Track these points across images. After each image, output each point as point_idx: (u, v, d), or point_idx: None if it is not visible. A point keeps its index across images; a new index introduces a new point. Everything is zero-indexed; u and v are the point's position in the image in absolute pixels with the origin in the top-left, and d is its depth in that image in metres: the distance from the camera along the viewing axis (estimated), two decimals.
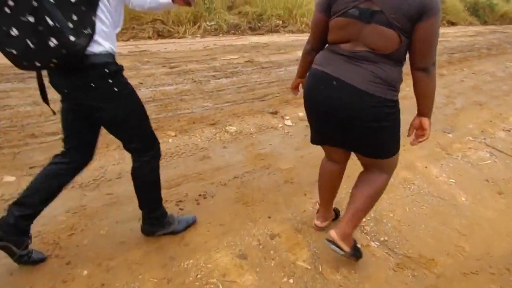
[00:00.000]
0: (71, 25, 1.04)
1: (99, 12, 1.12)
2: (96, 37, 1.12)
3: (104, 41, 1.15)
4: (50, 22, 0.99)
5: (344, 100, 1.20)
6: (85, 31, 1.07)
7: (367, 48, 1.16)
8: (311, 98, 1.33)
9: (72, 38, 1.04)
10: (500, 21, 17.05)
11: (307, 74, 1.36)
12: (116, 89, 1.23)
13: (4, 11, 0.98)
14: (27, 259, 1.36)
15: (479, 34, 10.48)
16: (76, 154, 1.39)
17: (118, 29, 1.26)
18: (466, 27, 13.19)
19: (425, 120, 1.27)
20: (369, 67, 1.16)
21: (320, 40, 1.33)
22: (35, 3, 0.97)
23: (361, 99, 1.17)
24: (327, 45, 1.33)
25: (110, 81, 1.20)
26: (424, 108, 1.26)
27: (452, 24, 14.44)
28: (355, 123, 1.23)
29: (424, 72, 1.16)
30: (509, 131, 3.36)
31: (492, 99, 4.32)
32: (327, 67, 1.24)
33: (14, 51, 1.03)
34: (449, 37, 9.28)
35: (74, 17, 1.05)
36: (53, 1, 1.00)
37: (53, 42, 1.01)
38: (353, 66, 1.18)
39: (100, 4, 1.11)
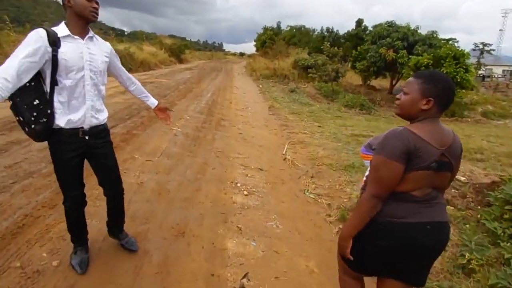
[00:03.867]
0: (32, 118, 1.66)
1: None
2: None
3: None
4: (20, 118, 1.68)
5: (440, 238, 1.33)
6: (41, 120, 1.69)
7: (432, 189, 1.31)
8: (403, 251, 1.31)
9: (33, 126, 1.68)
10: (142, 67, 18.41)
11: (381, 229, 1.32)
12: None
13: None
14: None
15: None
16: None
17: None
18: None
19: None
20: (440, 201, 1.34)
21: (389, 194, 1.31)
22: (13, 103, 1.65)
23: (447, 230, 1.36)
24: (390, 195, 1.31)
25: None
26: None
27: None
28: (438, 254, 1.38)
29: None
30: None
31: None
32: (412, 216, 1.28)
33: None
34: None
35: (34, 113, 1.66)
36: (21, 102, 1.64)
37: (25, 130, 1.72)
38: (431, 206, 1.30)
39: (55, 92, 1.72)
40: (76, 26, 1.72)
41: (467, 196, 3.56)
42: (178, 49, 29.06)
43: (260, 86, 15.02)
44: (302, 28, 35.39)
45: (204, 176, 3.85)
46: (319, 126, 7.10)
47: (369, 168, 1.41)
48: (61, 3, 1.73)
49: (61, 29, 1.69)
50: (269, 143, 5.71)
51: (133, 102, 7.55)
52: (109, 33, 31.95)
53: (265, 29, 36.30)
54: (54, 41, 1.62)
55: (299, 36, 33.29)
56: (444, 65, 10.63)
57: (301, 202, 3.55)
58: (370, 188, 1.29)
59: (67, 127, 1.75)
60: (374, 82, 18.48)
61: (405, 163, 1.22)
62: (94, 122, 1.85)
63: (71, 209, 1.97)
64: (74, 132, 1.79)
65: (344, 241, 1.39)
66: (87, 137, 1.84)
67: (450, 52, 10.69)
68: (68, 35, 1.69)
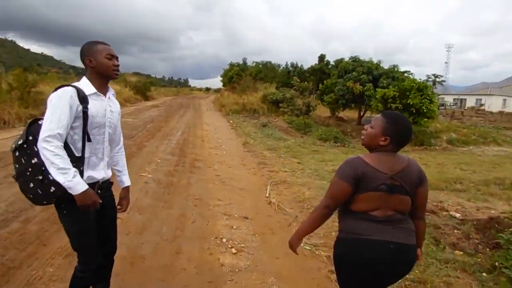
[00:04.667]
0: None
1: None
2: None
3: None
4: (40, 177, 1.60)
5: (405, 259, 1.48)
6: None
7: (395, 212, 1.47)
8: (370, 266, 1.44)
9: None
10: None
11: (348, 244, 1.50)
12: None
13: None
14: None
15: None
16: None
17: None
18: None
19: (419, 251, 1.61)
20: (406, 226, 1.49)
21: (338, 206, 1.54)
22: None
23: (412, 254, 1.50)
24: (347, 213, 1.53)
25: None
26: (421, 242, 1.62)
27: None
28: (404, 274, 1.55)
29: (422, 220, 1.59)
30: None
31: None
32: (375, 234, 1.43)
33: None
34: None
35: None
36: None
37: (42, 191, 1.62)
38: (394, 228, 1.46)
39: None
40: (99, 84, 1.74)
41: (471, 236, 3.33)
42: (144, 86, 28.58)
43: (231, 121, 14.79)
44: (268, 64, 36.55)
45: (183, 233, 3.33)
46: (299, 163, 6.84)
47: None
48: (82, 63, 1.73)
49: (86, 86, 1.69)
50: (249, 184, 5.30)
51: None
52: (69, 72, 30.86)
53: (232, 65, 37.07)
54: (84, 98, 1.63)
55: (265, 71, 34.23)
56: (410, 96, 11.09)
57: (297, 256, 3.12)
58: (324, 199, 1.52)
59: (88, 182, 1.67)
60: (342, 114, 19.02)
61: (353, 184, 1.44)
62: (106, 176, 1.86)
63: (87, 279, 1.82)
64: (92, 187, 1.70)
65: (295, 240, 1.63)
66: (99, 191, 1.80)
67: (414, 85, 11.24)
68: (95, 93, 1.70)
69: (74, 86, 1.62)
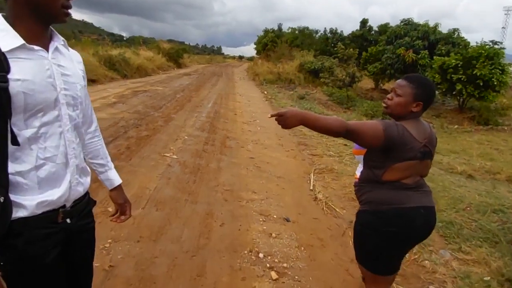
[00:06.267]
0: None
1: None
2: None
3: None
4: None
5: (431, 222, 1.49)
6: None
7: (419, 177, 1.48)
8: (409, 235, 1.46)
9: None
10: (138, 73, 17.31)
11: (385, 216, 1.44)
12: None
13: None
14: None
15: (122, 99, 8.64)
16: None
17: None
18: (107, 86, 11.39)
19: None
20: (427, 188, 1.51)
21: (352, 140, 1.45)
22: None
23: (435, 215, 1.51)
24: (377, 183, 1.46)
25: None
26: None
27: (93, 81, 12.43)
28: (426, 237, 1.56)
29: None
30: None
31: None
32: (408, 202, 1.42)
33: None
34: None
35: None
36: None
37: None
38: (421, 193, 1.46)
39: None
40: (32, 28, 0.94)
41: None
42: (176, 53, 27.93)
43: (265, 92, 13.80)
44: (305, 30, 34.26)
45: (209, 242, 2.60)
46: (346, 145, 5.85)
47: (361, 164, 1.60)
48: None
49: (5, 37, 0.88)
50: (289, 172, 4.46)
51: (121, 118, 6.32)
52: (106, 39, 30.82)
53: (266, 31, 35.19)
54: None
55: (302, 38, 32.13)
56: (476, 66, 9.38)
57: (360, 285, 2.30)
58: (349, 123, 1.35)
59: (39, 211, 0.97)
60: (387, 85, 17.25)
61: (386, 142, 1.35)
62: (79, 191, 1.09)
63: None
64: (49, 218, 1.01)
65: (294, 118, 1.36)
66: (68, 220, 1.07)
67: (483, 51, 9.44)
68: (23, 46, 0.89)
69: None
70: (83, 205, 1.14)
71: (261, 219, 3.07)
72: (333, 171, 4.53)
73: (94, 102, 7.63)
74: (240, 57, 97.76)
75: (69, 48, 1.08)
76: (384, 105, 1.51)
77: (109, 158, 1.30)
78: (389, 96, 1.50)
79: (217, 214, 3.07)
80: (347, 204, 3.55)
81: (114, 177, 1.30)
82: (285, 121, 1.37)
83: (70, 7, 0.98)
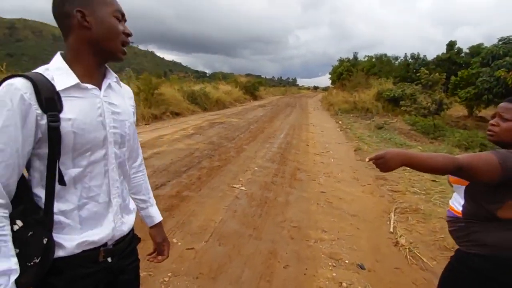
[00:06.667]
0: None
1: None
2: None
3: None
4: None
5: None
6: (31, 263, 0.85)
7: None
8: None
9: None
10: (217, 106, 18.50)
11: (503, 262, 1.22)
12: None
13: None
14: None
15: (199, 130, 9.19)
16: None
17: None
18: (188, 118, 12.33)
19: None
20: None
21: (463, 177, 1.26)
22: None
23: None
24: (493, 222, 1.24)
25: None
26: None
27: (177, 114, 13.64)
28: None
29: None
30: None
31: None
32: None
33: None
34: (164, 143, 7.08)
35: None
36: None
37: None
38: None
39: None
40: (89, 65, 0.93)
41: None
42: (253, 86, 29.29)
43: (340, 122, 13.31)
44: (383, 57, 32.89)
45: (270, 286, 2.37)
46: (434, 181, 5.10)
47: (454, 194, 1.39)
48: (57, 21, 0.92)
49: (60, 73, 0.88)
50: (365, 210, 4.00)
51: (197, 149, 6.63)
52: (190, 76, 34.14)
53: (341, 60, 34.77)
54: (50, 99, 0.83)
55: (380, 66, 30.81)
56: None
57: None
58: (459, 158, 1.19)
59: (79, 250, 0.93)
60: (483, 112, 15.12)
61: (504, 177, 1.15)
62: (123, 231, 1.04)
63: None
64: (90, 257, 0.96)
65: (396, 159, 1.19)
66: (110, 259, 1.01)
67: None
68: (77, 85, 0.89)
69: (28, 77, 0.81)
70: (126, 244, 1.07)
71: (330, 264, 2.73)
72: (419, 211, 3.92)
73: (174, 134, 8.25)
74: (315, 88, 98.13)
75: (121, 84, 1.07)
76: (489, 133, 1.35)
77: (151, 194, 1.25)
78: (493, 121, 1.34)
79: (282, 253, 2.83)
80: (438, 254, 2.97)
81: (155, 214, 1.24)
82: (385, 163, 1.22)
83: (128, 44, 0.98)
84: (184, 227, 3.13)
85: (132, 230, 1.12)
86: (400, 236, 3.26)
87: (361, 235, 3.31)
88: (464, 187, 1.32)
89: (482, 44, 17.23)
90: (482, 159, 1.19)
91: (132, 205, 1.14)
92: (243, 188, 4.44)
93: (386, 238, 3.30)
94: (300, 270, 2.60)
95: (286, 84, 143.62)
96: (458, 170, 1.19)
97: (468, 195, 1.31)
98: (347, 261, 2.78)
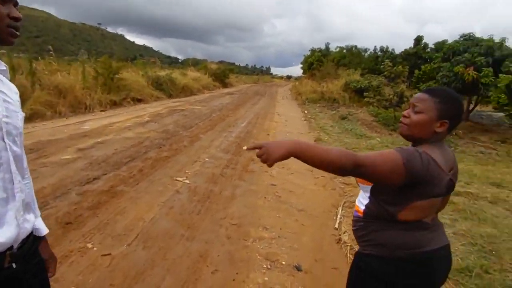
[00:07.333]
0: None
1: None
2: None
3: None
4: None
5: (450, 263, 1.23)
6: None
7: (435, 213, 1.20)
8: (428, 284, 1.17)
9: None
10: (183, 93, 17.88)
11: (405, 262, 1.13)
12: None
13: None
14: None
15: (156, 118, 8.69)
16: None
17: None
18: (149, 105, 11.74)
19: None
20: (439, 222, 1.23)
21: (363, 177, 1.13)
22: None
23: (450, 251, 1.24)
24: (393, 223, 1.14)
25: None
26: None
27: (139, 101, 12.97)
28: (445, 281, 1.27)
29: None
30: None
31: None
32: (428, 244, 1.15)
33: None
34: (112, 132, 6.57)
35: None
36: None
37: None
38: (437, 230, 1.20)
39: None
40: None
41: None
42: (223, 73, 28.67)
43: (306, 111, 13.23)
44: (353, 49, 33.27)
45: None
46: None
47: (361, 192, 1.25)
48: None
49: None
50: (314, 204, 3.84)
51: (147, 137, 6.20)
52: (156, 61, 32.82)
53: (313, 50, 34.78)
54: None
55: (350, 57, 31.15)
56: None
57: None
58: (360, 156, 1.04)
59: None
60: None
61: (407, 180, 1.04)
62: (26, 229, 0.97)
63: None
64: None
65: (281, 149, 1.03)
66: (14, 265, 0.92)
67: None
68: None
69: None
70: (30, 244, 1.00)
71: (265, 266, 2.52)
72: None
73: (127, 122, 7.73)
74: (288, 77, 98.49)
75: (4, 79, 0.98)
76: (400, 125, 1.21)
77: (36, 205, 1.11)
78: (405, 113, 1.19)
79: (213, 256, 2.57)
80: None
81: (41, 226, 1.10)
82: (268, 154, 1.03)
83: (17, 28, 0.92)
84: (106, 229, 2.78)
85: (31, 234, 1.02)
86: (344, 233, 3.12)
87: (304, 232, 3.13)
88: (370, 187, 1.20)
89: (446, 40, 17.76)
90: (387, 158, 1.05)
91: (35, 203, 1.08)
92: (187, 181, 4.13)
93: (330, 235, 3.15)
94: (230, 275, 2.36)
95: (259, 72, 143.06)
96: (358, 169, 1.04)
97: (372, 195, 1.19)
98: (283, 263, 2.58)
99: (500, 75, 9.66)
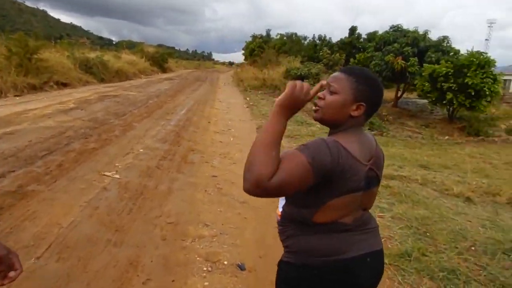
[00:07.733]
0: None
1: None
2: None
3: None
4: None
5: (380, 270, 1.10)
6: None
7: (362, 211, 1.06)
8: None
9: None
10: (117, 77, 16.49)
11: (316, 273, 1.00)
12: None
13: None
14: None
15: (83, 104, 7.77)
16: None
17: None
18: (76, 90, 10.53)
19: None
20: (373, 225, 1.10)
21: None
22: None
23: (383, 259, 1.12)
24: (307, 227, 1.01)
25: None
26: None
27: (64, 85, 11.56)
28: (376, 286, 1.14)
29: None
30: None
31: None
32: (349, 250, 1.01)
33: None
34: (26, 120, 5.67)
35: None
36: None
37: None
38: (365, 233, 1.05)
39: None
40: None
41: None
42: (161, 57, 27.16)
43: (248, 98, 13.10)
44: (293, 36, 33.88)
45: None
46: None
47: (282, 198, 1.13)
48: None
49: None
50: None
51: (71, 127, 5.47)
52: (85, 41, 29.77)
53: (254, 37, 34.65)
54: None
55: (290, 44, 31.68)
56: (468, 74, 8.85)
57: None
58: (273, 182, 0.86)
59: None
60: None
61: (318, 178, 0.91)
62: None
63: None
64: None
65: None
66: None
67: (474, 60, 8.93)
68: None
69: None
70: None
71: (205, 269, 2.29)
72: None
73: (47, 109, 6.77)
74: (230, 63, 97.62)
75: None
76: (314, 108, 1.06)
77: None
78: (320, 94, 1.04)
79: (146, 262, 2.27)
80: None
81: None
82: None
83: None
84: (9, 239, 2.28)
85: None
86: None
87: (247, 226, 2.96)
88: None
89: (377, 31, 18.93)
90: (292, 167, 0.89)
91: None
92: (117, 176, 3.68)
93: (274, 227, 3.01)
94: (164, 284, 2.09)
95: (201, 58, 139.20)
96: (263, 184, 0.87)
97: (286, 196, 1.07)
98: (225, 263, 2.38)
99: (424, 64, 10.53)
